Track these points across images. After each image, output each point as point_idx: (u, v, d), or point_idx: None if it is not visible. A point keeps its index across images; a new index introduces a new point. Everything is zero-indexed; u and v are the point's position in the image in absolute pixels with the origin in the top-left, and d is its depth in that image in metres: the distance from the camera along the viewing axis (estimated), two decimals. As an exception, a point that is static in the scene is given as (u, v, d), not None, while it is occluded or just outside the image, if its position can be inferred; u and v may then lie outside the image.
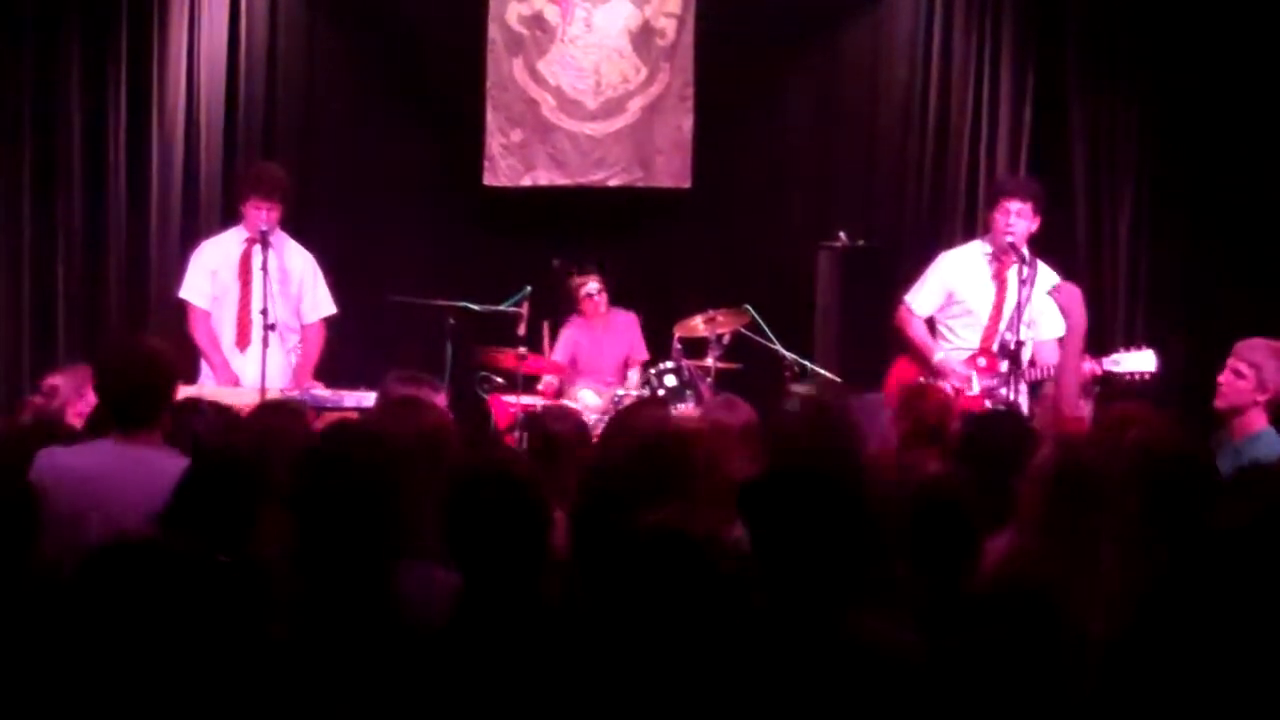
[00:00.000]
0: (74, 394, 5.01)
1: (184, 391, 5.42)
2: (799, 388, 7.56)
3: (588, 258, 8.01)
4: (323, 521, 2.98)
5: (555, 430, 4.46)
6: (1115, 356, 5.92)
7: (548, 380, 7.71)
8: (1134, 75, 7.89)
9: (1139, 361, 5.84)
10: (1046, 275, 6.07)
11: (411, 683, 2.67)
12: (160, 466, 3.48)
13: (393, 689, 2.68)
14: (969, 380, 6.17)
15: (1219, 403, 4.76)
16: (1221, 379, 4.76)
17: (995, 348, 6.18)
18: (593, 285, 7.85)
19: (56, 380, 5.16)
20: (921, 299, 6.44)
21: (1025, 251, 5.98)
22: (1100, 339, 6.41)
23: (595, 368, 7.89)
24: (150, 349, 3.94)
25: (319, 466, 3.15)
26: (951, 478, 3.48)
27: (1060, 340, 5.97)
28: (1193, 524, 3.24)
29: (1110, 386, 5.88)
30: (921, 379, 6.12)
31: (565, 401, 7.28)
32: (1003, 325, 6.16)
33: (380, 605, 2.89)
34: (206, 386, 6.15)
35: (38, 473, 3.66)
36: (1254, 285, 7.31)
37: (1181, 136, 7.78)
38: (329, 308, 6.80)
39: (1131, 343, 6.17)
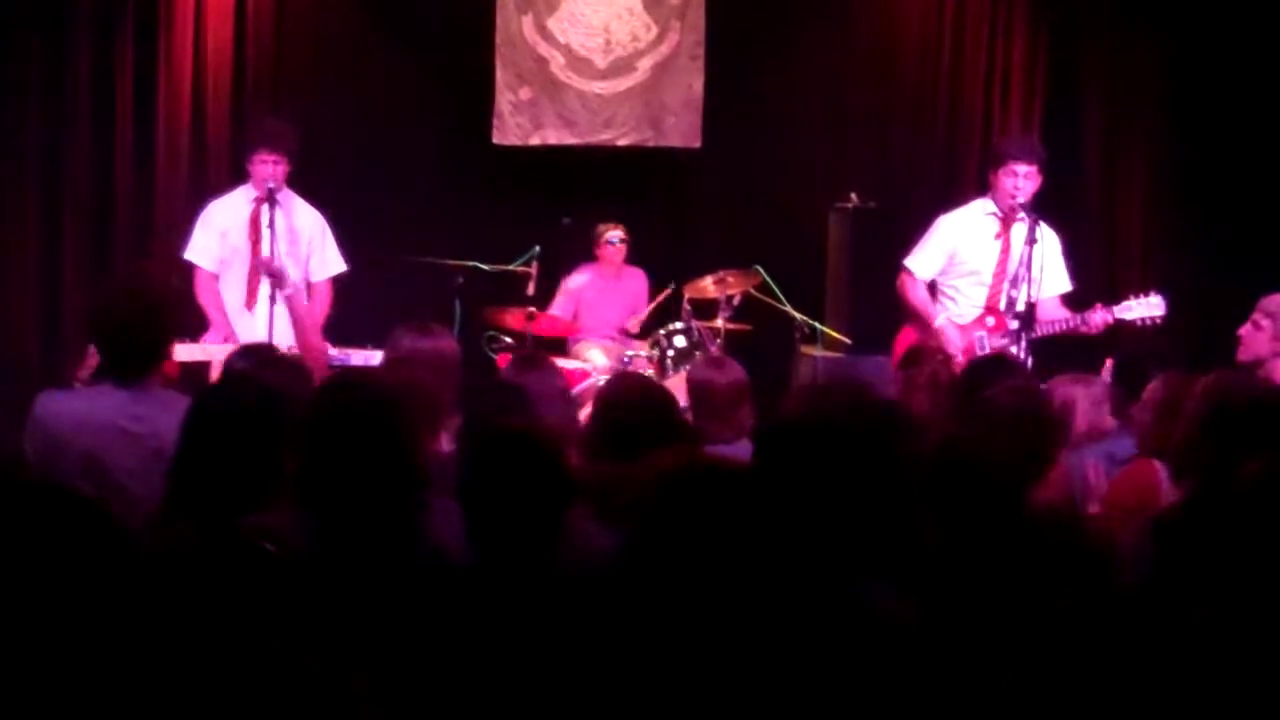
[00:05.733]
0: None
1: (189, 351, 5.46)
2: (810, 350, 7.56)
3: (603, 216, 7.98)
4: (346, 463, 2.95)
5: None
6: (1126, 304, 6.05)
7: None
8: (1149, 31, 7.83)
9: (1148, 307, 5.92)
10: (1049, 235, 6.18)
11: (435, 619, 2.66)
12: (156, 414, 3.43)
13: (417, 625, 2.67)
14: (972, 345, 6.16)
15: (1240, 355, 4.80)
16: (1242, 331, 4.79)
17: (1003, 307, 6.18)
18: (616, 234, 7.83)
19: None
20: (922, 262, 6.41)
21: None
22: (1114, 292, 6.47)
23: (600, 321, 7.86)
24: (144, 297, 3.79)
25: (335, 411, 3.10)
26: (975, 434, 3.41)
27: (1062, 297, 6.27)
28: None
29: (1123, 334, 5.95)
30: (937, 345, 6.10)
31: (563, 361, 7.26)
32: (1006, 284, 6.17)
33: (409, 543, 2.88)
34: (210, 346, 6.15)
35: (38, 418, 3.65)
36: (1271, 240, 7.29)
37: (1198, 93, 7.73)
38: (337, 266, 6.75)
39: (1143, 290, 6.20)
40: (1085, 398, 4.58)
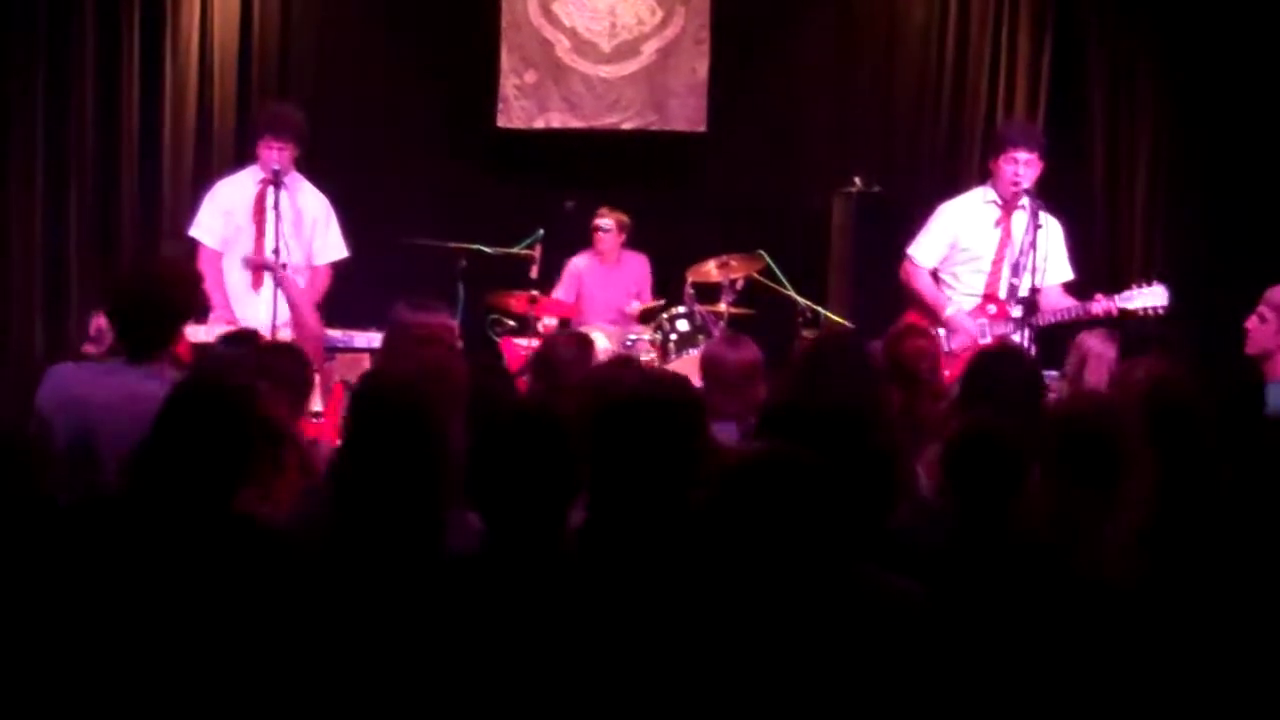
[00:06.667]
0: None
1: (195, 332, 5.47)
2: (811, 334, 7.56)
3: (607, 200, 7.99)
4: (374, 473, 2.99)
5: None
6: (1127, 293, 6.04)
7: (546, 322, 7.67)
8: (1153, 17, 7.82)
9: (1150, 297, 5.93)
10: (1052, 223, 6.18)
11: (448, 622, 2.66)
12: (161, 392, 3.43)
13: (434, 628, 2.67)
14: (981, 331, 6.16)
15: (1248, 348, 4.79)
16: (1248, 324, 4.78)
17: (1003, 294, 6.19)
18: (605, 220, 7.83)
19: (102, 322, 5.06)
20: (925, 250, 6.41)
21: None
22: (1117, 281, 6.46)
23: (602, 306, 7.86)
24: (161, 276, 3.83)
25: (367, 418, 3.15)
26: (993, 419, 3.39)
27: (1065, 285, 6.27)
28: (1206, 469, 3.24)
29: (1125, 323, 5.95)
30: (913, 323, 6.09)
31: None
32: (1006, 271, 6.18)
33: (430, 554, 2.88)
34: (216, 329, 6.15)
35: (40, 390, 3.70)
36: (1276, 228, 7.29)
37: (1201, 79, 7.72)
38: (339, 252, 6.75)
39: (1145, 279, 6.20)
40: (1110, 364, 4.62)
